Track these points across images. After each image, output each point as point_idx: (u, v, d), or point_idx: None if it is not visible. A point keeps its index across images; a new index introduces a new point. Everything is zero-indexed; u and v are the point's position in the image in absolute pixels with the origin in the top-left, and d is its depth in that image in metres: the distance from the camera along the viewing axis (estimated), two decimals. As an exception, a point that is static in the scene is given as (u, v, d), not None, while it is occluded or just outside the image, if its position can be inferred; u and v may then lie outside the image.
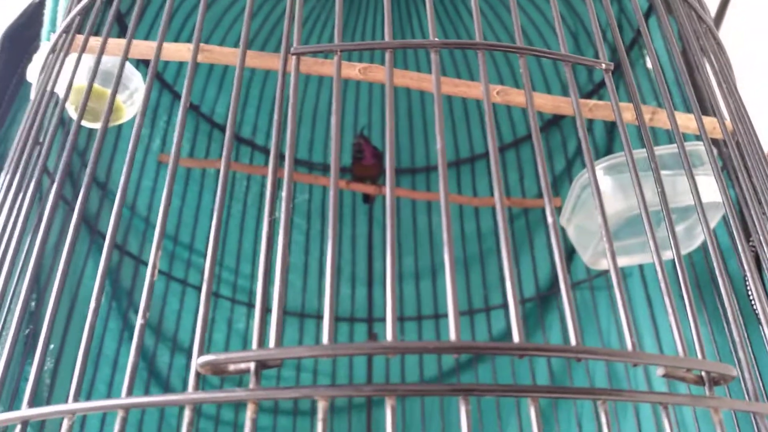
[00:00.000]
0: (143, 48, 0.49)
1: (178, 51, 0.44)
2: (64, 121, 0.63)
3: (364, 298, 1.00)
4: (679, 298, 0.60)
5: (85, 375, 0.71)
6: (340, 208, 1.06)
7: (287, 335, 0.94)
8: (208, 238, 0.27)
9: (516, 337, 0.25)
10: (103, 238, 0.77)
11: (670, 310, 0.27)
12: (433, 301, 1.00)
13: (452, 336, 0.24)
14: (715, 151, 0.63)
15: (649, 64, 0.79)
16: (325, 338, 0.24)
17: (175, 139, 0.34)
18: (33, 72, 0.54)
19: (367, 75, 0.50)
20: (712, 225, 0.66)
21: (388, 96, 0.30)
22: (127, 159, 0.35)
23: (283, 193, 0.28)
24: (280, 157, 0.31)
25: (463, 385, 0.23)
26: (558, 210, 0.95)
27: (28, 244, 0.51)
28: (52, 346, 0.66)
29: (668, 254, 0.70)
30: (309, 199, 1.05)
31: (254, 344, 0.25)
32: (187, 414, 0.24)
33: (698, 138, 0.54)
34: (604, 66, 0.34)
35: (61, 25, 0.51)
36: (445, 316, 0.94)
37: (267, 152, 1.05)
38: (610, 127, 0.88)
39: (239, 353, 0.24)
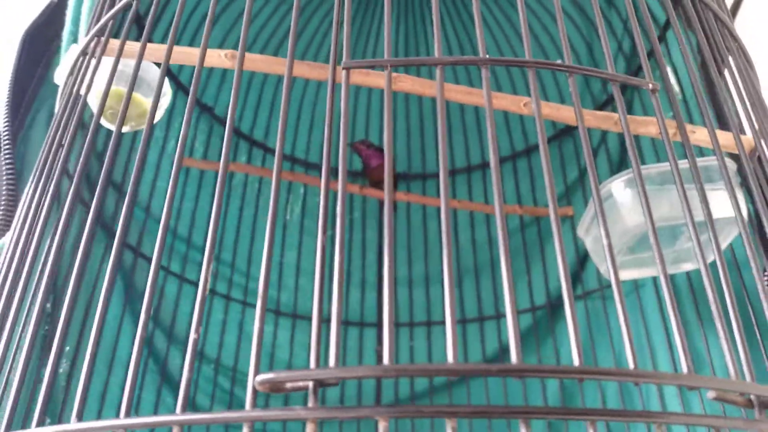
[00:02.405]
0: (181, 54, 0.49)
1: (218, 57, 0.44)
2: (85, 124, 0.63)
3: (373, 303, 1.00)
4: (705, 313, 0.60)
5: (99, 377, 0.72)
6: (350, 213, 1.06)
7: (298, 339, 0.94)
8: (222, 241, 0.28)
9: (575, 360, 0.25)
10: (129, 246, 0.77)
11: (719, 326, 0.27)
12: (441, 307, 1.00)
13: (450, 358, 0.24)
14: (734, 166, 0.64)
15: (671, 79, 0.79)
16: (385, 360, 0.24)
17: (180, 138, 0.34)
18: (61, 74, 0.54)
19: (397, 85, 0.51)
20: (731, 239, 0.66)
21: (440, 110, 0.31)
22: (138, 158, 0.35)
23: (338, 209, 0.28)
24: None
25: (522, 408, 0.23)
26: (571, 219, 0.95)
27: (47, 247, 0.51)
28: (67, 348, 0.66)
29: (686, 266, 0.70)
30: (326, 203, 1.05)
31: (312, 363, 0.25)
32: (246, 429, 0.24)
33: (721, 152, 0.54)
34: (651, 86, 0.34)
35: (92, 28, 0.50)
36: (463, 321, 0.95)
37: (266, 149, 1.04)
38: (622, 142, 0.88)
39: (298, 372, 0.24)
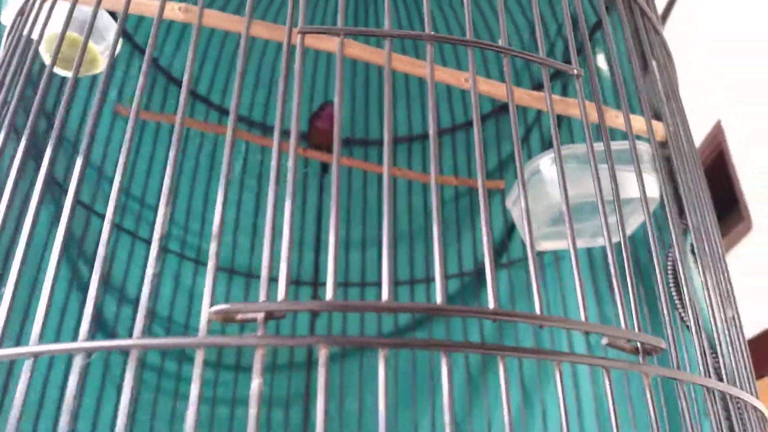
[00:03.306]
0: (137, 6, 0.49)
1: (171, 11, 0.45)
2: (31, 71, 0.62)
3: (310, 263, 1.03)
4: (603, 282, 0.66)
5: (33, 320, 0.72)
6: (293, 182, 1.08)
7: (234, 294, 0.97)
8: (159, 192, 0.30)
9: (491, 303, 0.28)
10: (57, 183, 0.77)
11: (616, 289, 0.31)
12: (375, 269, 1.04)
13: (384, 296, 0.27)
14: (650, 150, 0.70)
15: (600, 63, 0.84)
16: (329, 294, 0.27)
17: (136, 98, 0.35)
18: (8, 16, 0.53)
19: (347, 50, 0.53)
20: (643, 218, 0.72)
21: (387, 81, 0.33)
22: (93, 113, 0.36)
23: (289, 163, 0.31)
24: (242, 120, 0.33)
25: (442, 341, 0.27)
26: (502, 192, 1.01)
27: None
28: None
29: (599, 241, 0.76)
30: (261, 160, 1.06)
31: (262, 296, 0.28)
32: (199, 355, 0.27)
33: (640, 138, 0.60)
34: (575, 72, 0.38)
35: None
36: (395, 283, 0.99)
37: (221, 110, 1.05)
38: (558, 120, 0.93)
39: (251, 304, 0.27)
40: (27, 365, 0.29)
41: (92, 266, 0.31)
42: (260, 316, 0.27)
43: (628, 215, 0.72)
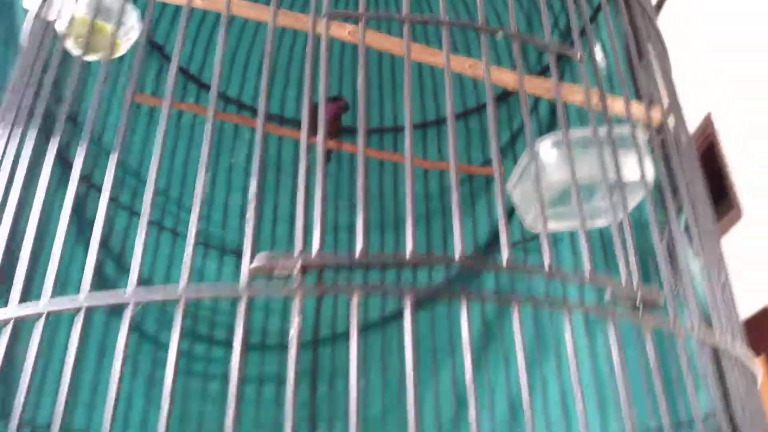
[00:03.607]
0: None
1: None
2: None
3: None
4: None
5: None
6: (285, 160, 1.09)
7: (208, 269, 0.99)
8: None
9: (505, 257, 0.31)
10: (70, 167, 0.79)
11: (619, 248, 0.34)
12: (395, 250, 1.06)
13: (409, 248, 0.30)
14: (645, 135, 0.73)
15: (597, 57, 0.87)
16: (358, 250, 0.30)
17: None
18: (30, 1, 0.56)
19: (355, 37, 0.56)
20: (639, 198, 0.75)
21: (407, 66, 0.36)
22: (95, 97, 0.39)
23: (301, 156, 0.33)
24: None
25: (462, 291, 0.30)
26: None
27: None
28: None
29: (600, 222, 0.80)
30: (279, 153, 1.08)
31: (297, 251, 0.30)
32: (243, 304, 0.29)
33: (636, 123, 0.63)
34: (579, 56, 0.40)
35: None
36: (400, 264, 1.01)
37: (224, 98, 1.07)
38: (554, 106, 0.96)
39: (288, 257, 0.30)
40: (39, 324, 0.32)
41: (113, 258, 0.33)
42: (297, 268, 0.30)
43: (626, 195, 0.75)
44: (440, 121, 1.12)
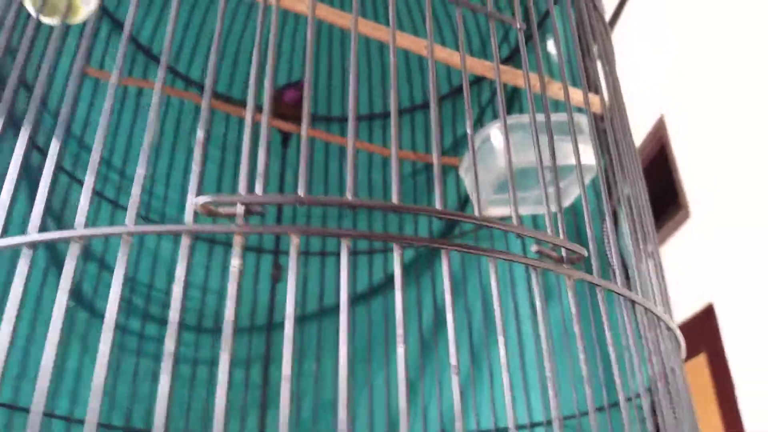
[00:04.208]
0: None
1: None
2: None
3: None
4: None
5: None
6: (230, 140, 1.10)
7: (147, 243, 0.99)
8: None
9: (438, 204, 0.33)
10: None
11: (547, 207, 0.37)
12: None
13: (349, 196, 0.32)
14: (588, 121, 0.76)
15: (550, 48, 0.90)
16: (300, 190, 0.31)
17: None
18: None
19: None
20: (586, 181, 0.79)
21: (353, 38, 0.38)
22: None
23: (262, 138, 0.35)
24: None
25: (398, 235, 0.32)
26: (456, 169, 1.06)
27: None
28: None
29: (540, 209, 0.82)
30: (225, 132, 1.09)
31: (242, 190, 0.32)
32: (185, 240, 0.31)
33: (581, 110, 0.66)
34: (518, 26, 0.43)
35: None
36: (355, 253, 1.03)
37: (186, 79, 1.07)
38: (510, 93, 0.99)
39: (232, 197, 0.31)
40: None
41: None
42: (240, 209, 0.31)
43: (571, 183, 0.78)
44: (387, 114, 1.14)
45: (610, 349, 0.37)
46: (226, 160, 1.07)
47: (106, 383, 0.28)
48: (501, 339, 0.34)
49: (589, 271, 0.38)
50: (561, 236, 0.36)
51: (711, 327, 1.47)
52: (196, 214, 0.31)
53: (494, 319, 0.34)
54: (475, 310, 0.94)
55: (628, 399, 0.45)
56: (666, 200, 1.73)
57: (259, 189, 0.31)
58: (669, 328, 0.46)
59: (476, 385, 0.91)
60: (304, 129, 0.31)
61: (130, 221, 0.31)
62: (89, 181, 0.30)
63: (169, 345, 0.29)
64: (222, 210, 0.32)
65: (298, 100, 1.02)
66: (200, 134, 0.32)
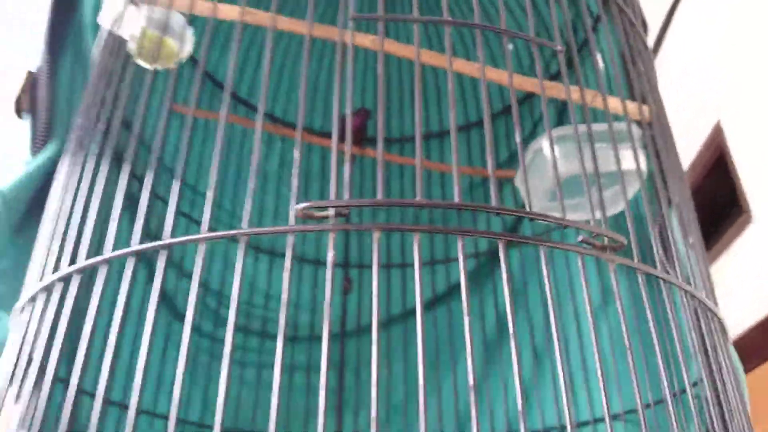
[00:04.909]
0: (201, 7, 0.62)
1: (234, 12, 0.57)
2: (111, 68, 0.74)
3: (342, 244, 1.14)
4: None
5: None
6: (317, 167, 1.18)
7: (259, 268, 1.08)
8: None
9: (494, 201, 0.40)
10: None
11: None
12: (401, 252, 1.14)
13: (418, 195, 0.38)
14: (639, 131, 0.81)
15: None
16: (379, 195, 0.39)
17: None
18: (106, 17, 0.66)
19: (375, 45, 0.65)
20: (635, 189, 0.83)
21: (417, 68, 0.45)
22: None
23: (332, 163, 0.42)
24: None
25: (461, 228, 0.38)
26: (513, 183, 1.12)
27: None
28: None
29: (597, 214, 0.87)
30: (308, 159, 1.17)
31: (332, 196, 0.39)
32: (290, 242, 0.38)
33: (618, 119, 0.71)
34: (559, 48, 0.49)
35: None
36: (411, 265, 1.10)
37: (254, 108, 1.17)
38: (561, 107, 1.04)
39: (324, 201, 0.38)
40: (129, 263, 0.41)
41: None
42: (332, 211, 0.39)
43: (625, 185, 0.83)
44: (465, 128, 1.21)
45: (656, 337, 0.42)
46: (310, 188, 1.15)
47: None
48: (555, 334, 0.40)
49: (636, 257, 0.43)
50: (603, 226, 0.42)
51: (780, 332, 1.45)
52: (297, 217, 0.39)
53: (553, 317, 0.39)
54: (536, 312, 0.99)
55: (683, 391, 0.49)
56: (727, 205, 1.73)
57: (346, 194, 0.39)
58: (714, 315, 0.50)
59: (539, 384, 0.95)
60: (380, 144, 0.38)
61: (245, 224, 0.39)
62: (173, 202, 0.38)
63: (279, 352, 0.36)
64: (317, 213, 0.39)
65: (361, 126, 1.10)
66: (296, 155, 0.39)
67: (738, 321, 1.59)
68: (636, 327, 0.46)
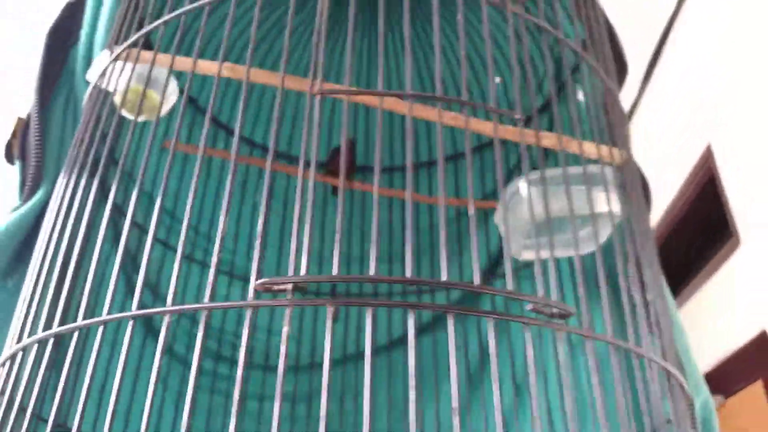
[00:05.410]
0: (182, 63, 0.65)
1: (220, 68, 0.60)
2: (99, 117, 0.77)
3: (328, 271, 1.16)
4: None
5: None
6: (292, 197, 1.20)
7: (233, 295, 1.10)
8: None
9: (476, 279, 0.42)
10: (116, 207, 0.92)
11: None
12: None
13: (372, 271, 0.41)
14: (613, 173, 0.83)
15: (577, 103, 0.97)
16: (335, 271, 0.41)
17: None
18: (93, 74, 0.69)
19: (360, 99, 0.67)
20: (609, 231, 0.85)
21: (408, 131, 0.47)
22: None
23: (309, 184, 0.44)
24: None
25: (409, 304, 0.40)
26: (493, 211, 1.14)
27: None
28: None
29: (571, 252, 0.89)
30: (286, 187, 1.20)
31: (290, 272, 0.41)
32: (248, 315, 0.40)
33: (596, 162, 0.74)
34: (518, 116, 0.51)
35: (116, 43, 0.66)
36: (404, 293, 1.12)
37: (251, 143, 1.20)
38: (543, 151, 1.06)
39: (282, 278, 0.41)
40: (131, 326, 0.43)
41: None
42: (289, 286, 0.41)
43: (598, 228, 0.85)
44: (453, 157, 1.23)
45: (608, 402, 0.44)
46: (288, 213, 1.18)
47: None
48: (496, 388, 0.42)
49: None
50: (553, 296, 0.44)
51: (766, 354, 1.47)
52: (256, 292, 0.41)
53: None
54: (518, 347, 1.01)
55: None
56: (716, 228, 1.74)
57: (303, 270, 0.41)
58: (669, 374, 0.52)
59: (519, 417, 0.97)
60: (340, 216, 0.40)
61: (206, 299, 0.41)
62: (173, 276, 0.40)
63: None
64: (275, 287, 0.41)
65: (350, 160, 1.12)
66: (260, 227, 0.42)
67: (728, 341, 1.61)
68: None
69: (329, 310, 0.40)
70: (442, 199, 0.47)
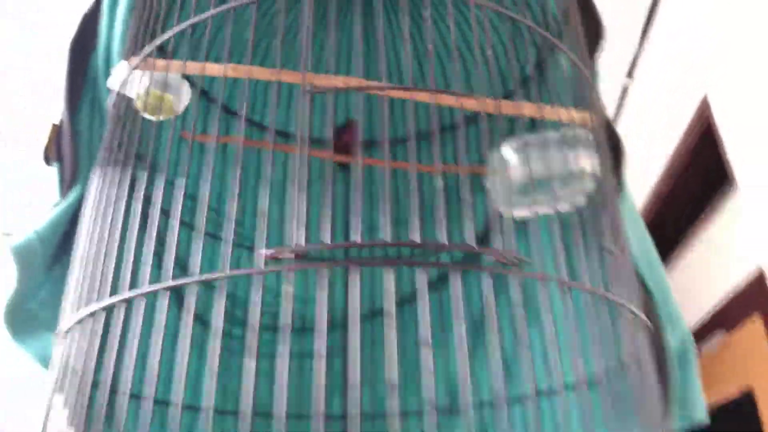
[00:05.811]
0: (192, 68, 0.74)
1: (224, 70, 0.69)
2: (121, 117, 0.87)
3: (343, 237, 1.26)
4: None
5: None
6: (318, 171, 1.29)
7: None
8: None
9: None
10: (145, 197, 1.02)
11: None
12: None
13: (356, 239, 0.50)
14: (590, 135, 0.91)
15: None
16: (357, 238, 0.50)
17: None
18: (114, 82, 0.78)
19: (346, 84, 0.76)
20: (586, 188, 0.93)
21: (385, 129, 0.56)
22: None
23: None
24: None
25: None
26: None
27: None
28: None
29: (562, 206, 0.97)
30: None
31: (293, 242, 0.51)
32: (258, 281, 0.50)
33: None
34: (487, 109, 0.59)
35: (134, 53, 0.75)
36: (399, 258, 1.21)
37: (261, 127, 1.28)
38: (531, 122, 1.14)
39: (285, 247, 0.50)
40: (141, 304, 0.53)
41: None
42: (292, 255, 0.50)
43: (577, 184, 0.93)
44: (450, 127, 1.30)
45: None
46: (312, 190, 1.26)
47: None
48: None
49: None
50: (511, 247, 0.53)
51: (763, 291, 1.54)
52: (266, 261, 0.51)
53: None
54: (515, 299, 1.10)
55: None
56: (714, 175, 1.80)
57: (302, 240, 0.50)
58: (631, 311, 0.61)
59: (517, 360, 1.07)
60: (357, 189, 0.49)
61: (226, 268, 0.51)
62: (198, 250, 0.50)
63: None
64: (280, 255, 0.51)
65: (355, 138, 1.21)
66: (264, 203, 0.51)
67: (729, 280, 1.68)
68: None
69: (353, 271, 0.49)
70: (438, 166, 0.56)
